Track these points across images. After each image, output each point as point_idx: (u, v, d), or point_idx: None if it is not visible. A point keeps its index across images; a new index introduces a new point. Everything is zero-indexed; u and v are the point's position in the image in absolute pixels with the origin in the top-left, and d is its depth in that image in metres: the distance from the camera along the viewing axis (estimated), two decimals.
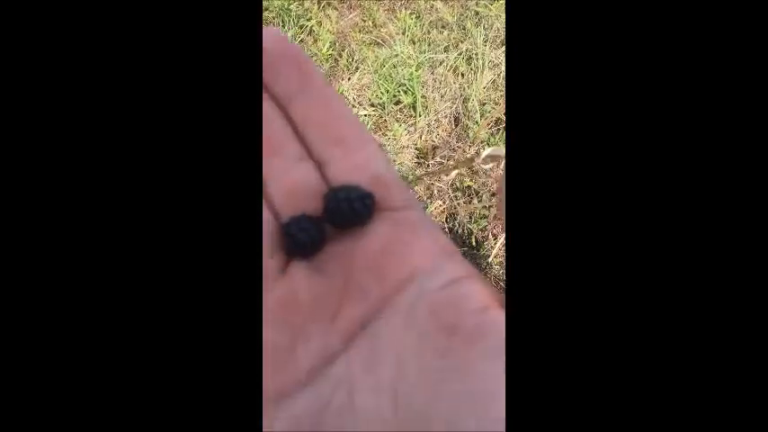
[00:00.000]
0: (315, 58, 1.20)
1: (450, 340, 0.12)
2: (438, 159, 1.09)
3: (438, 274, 0.13)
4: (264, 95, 0.15)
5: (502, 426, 0.11)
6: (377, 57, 1.21)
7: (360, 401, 0.12)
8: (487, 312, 0.13)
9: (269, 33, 0.15)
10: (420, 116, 1.13)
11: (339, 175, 0.15)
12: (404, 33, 1.27)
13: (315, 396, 0.13)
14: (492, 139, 1.08)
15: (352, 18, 1.32)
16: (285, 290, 0.14)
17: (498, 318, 0.13)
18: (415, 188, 1.01)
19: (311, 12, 1.29)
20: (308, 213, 0.14)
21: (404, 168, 1.07)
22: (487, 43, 1.24)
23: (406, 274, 0.14)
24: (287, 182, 0.15)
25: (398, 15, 1.31)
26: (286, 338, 0.13)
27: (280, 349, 0.13)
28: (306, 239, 0.14)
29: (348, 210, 0.14)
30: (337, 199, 0.14)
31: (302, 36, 1.24)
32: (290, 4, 1.27)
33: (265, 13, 1.26)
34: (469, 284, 0.13)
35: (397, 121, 1.15)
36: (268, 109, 0.15)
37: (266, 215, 0.15)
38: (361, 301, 0.14)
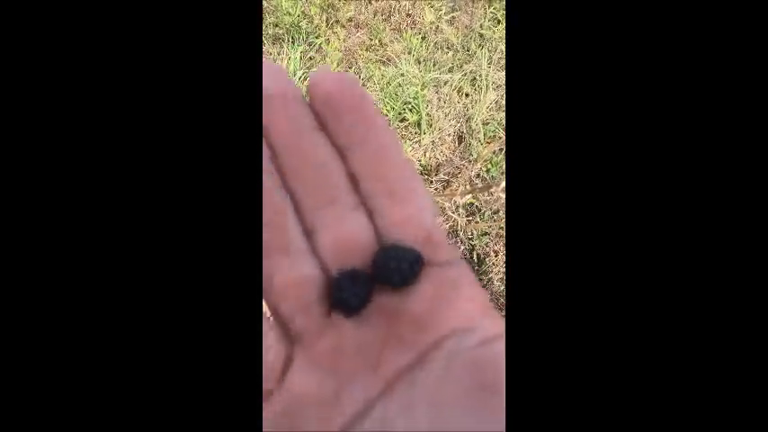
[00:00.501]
0: None
1: (482, 397, 0.13)
2: (441, 176, 1.11)
3: (475, 331, 0.14)
4: (325, 139, 0.15)
5: None
6: (383, 75, 1.24)
7: None
8: None
9: (334, 75, 0.14)
10: (424, 134, 1.16)
11: (390, 227, 0.15)
12: (410, 53, 1.31)
13: None
14: (495, 159, 1.11)
15: (359, 36, 1.35)
16: (332, 340, 0.14)
17: None
18: None
19: (320, 29, 1.32)
20: (358, 269, 0.15)
21: None
22: (491, 65, 1.28)
23: (447, 331, 0.14)
24: (338, 232, 0.15)
25: (404, 35, 1.35)
26: (332, 388, 0.14)
27: (326, 398, 0.14)
28: (356, 303, 0.14)
29: (397, 274, 0.14)
30: (387, 259, 0.14)
31: (311, 53, 1.27)
32: (299, 22, 1.30)
33: (275, 30, 1.29)
34: (503, 343, 0.14)
35: (403, 138, 1.17)
36: (327, 156, 0.15)
37: (315, 269, 0.15)
38: (403, 352, 0.14)
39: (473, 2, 1.42)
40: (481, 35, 1.37)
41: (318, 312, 0.15)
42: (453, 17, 1.42)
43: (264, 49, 1.25)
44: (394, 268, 0.14)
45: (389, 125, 0.15)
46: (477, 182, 1.09)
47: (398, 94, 1.20)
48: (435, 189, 1.10)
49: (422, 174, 1.12)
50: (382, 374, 0.14)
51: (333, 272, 0.15)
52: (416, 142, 1.16)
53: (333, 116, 0.14)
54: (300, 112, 0.15)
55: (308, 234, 0.15)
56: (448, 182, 1.10)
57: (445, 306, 0.15)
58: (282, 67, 0.14)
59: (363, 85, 1.24)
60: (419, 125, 1.17)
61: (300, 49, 1.24)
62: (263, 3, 1.33)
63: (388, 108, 1.18)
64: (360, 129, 0.14)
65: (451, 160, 1.14)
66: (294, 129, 0.14)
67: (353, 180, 0.15)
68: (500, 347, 0.14)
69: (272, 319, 0.15)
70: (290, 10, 1.29)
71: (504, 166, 1.08)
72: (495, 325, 0.15)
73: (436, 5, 1.43)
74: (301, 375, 0.14)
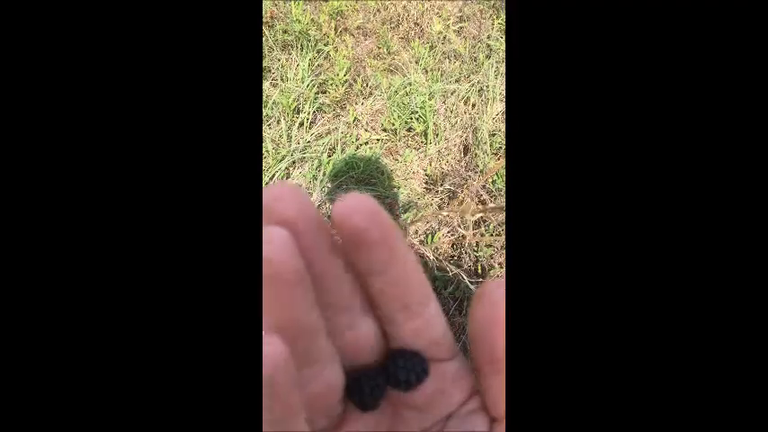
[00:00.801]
0: (331, 83, 1.24)
1: None
2: (447, 186, 1.11)
3: (460, 410, 0.17)
4: (339, 261, 0.16)
5: None
6: (391, 84, 1.24)
7: None
8: None
9: (364, 207, 0.14)
10: (431, 143, 1.16)
11: (401, 336, 0.17)
12: (417, 62, 1.31)
13: None
14: (501, 170, 1.11)
15: (367, 45, 1.36)
16: (352, 429, 0.17)
17: None
18: (426, 218, 1.03)
19: (329, 37, 1.33)
20: (372, 371, 0.17)
21: (415, 195, 1.10)
22: (498, 76, 1.28)
23: (442, 415, 0.17)
24: (351, 335, 0.16)
25: (412, 44, 1.36)
26: None
27: None
28: (372, 403, 0.17)
29: (404, 380, 0.17)
30: (397, 369, 0.16)
31: (320, 60, 1.28)
32: (308, 29, 1.30)
33: (285, 36, 1.30)
34: (477, 418, 0.17)
35: (409, 146, 1.17)
36: (340, 271, 0.16)
37: (340, 375, 0.16)
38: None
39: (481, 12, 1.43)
40: (489, 46, 1.37)
41: (338, 411, 0.17)
42: (461, 27, 1.43)
43: (273, 55, 1.26)
44: (402, 374, 0.16)
45: (410, 249, 0.15)
46: (482, 193, 1.09)
47: (405, 103, 1.20)
48: (441, 200, 1.10)
49: (427, 184, 1.13)
50: None
51: (348, 371, 0.17)
52: (422, 152, 1.17)
53: (358, 249, 0.15)
54: (317, 238, 0.15)
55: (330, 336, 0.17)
56: (453, 192, 1.11)
57: (443, 397, 0.17)
58: (302, 190, 0.14)
59: (370, 93, 1.25)
60: (425, 135, 1.17)
61: (309, 56, 1.25)
62: (274, 8, 1.33)
63: (395, 117, 1.18)
64: (383, 258, 0.15)
65: (457, 170, 1.14)
66: (313, 251, 0.15)
67: (370, 295, 0.16)
68: (473, 422, 0.17)
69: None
70: (300, 17, 1.30)
71: None
72: (476, 402, 0.18)
73: (445, 15, 1.44)
74: None
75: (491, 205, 1.00)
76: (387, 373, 0.17)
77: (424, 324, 0.16)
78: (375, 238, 0.14)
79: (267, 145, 1.07)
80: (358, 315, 0.16)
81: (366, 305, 0.16)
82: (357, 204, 0.14)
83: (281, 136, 1.11)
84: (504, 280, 0.16)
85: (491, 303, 0.15)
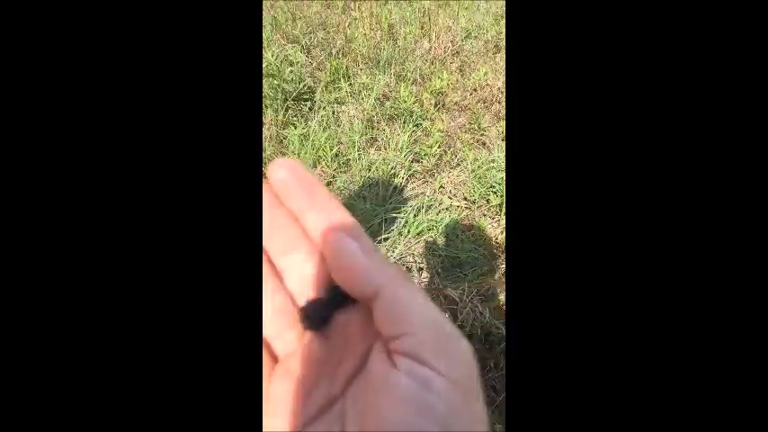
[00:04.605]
0: (424, 154, 1.46)
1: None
2: None
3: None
4: (282, 208, 0.20)
5: None
6: (476, 158, 1.44)
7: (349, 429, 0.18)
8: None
9: (286, 164, 0.19)
10: (504, 216, 1.33)
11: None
12: (503, 140, 1.49)
13: (323, 426, 0.19)
14: None
15: (460, 121, 1.57)
16: (303, 356, 0.19)
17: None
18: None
19: (428, 112, 1.56)
20: (321, 298, 0.20)
21: (483, 258, 1.26)
22: None
23: (374, 339, 0.19)
24: (302, 272, 0.20)
25: (502, 122, 1.54)
26: (308, 387, 0.19)
27: (303, 394, 0.19)
28: (321, 322, 0.19)
29: (321, 315, 0.19)
30: (336, 292, 0.19)
31: (417, 135, 1.52)
32: (412, 107, 1.55)
33: (390, 111, 1.55)
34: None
35: (484, 216, 1.35)
36: (285, 218, 0.20)
37: (286, 298, 0.20)
38: (353, 356, 0.19)
39: None
40: None
41: (291, 336, 0.20)
42: None
43: (381, 126, 1.51)
44: (341, 297, 0.19)
45: (331, 196, 0.21)
46: None
47: (487, 176, 1.39)
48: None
49: (496, 251, 1.29)
50: (340, 376, 0.20)
51: (301, 302, 0.20)
52: (496, 221, 1.34)
53: (286, 195, 0.20)
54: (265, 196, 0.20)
55: (279, 275, 0.20)
56: None
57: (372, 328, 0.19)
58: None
59: (457, 164, 1.45)
60: (501, 207, 1.34)
61: (409, 131, 1.49)
62: (386, 89, 1.60)
63: (475, 189, 1.37)
64: (306, 198, 0.20)
65: None
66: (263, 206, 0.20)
67: (309, 234, 0.20)
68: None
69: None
70: (407, 98, 1.56)
71: None
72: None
73: None
74: (280, 383, 0.19)
75: None
76: (329, 297, 0.20)
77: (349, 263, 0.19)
78: (295, 183, 0.20)
79: (366, 204, 1.32)
80: (305, 255, 0.20)
81: (313, 249, 0.20)
82: (283, 163, 0.20)
83: (377, 196, 1.35)
84: None
85: None
